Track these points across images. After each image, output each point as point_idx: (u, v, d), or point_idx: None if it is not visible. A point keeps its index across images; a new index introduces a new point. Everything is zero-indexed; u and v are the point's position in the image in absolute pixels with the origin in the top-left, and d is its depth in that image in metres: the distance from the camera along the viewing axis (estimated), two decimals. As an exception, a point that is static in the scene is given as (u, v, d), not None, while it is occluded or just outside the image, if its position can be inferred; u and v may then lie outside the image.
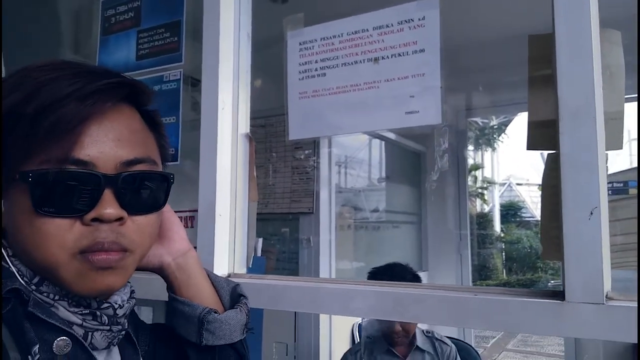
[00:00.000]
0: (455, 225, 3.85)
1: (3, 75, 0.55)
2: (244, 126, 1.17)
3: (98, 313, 0.60)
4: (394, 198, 3.95)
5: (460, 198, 3.91)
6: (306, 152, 2.86)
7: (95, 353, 0.60)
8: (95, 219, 0.56)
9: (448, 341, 1.95)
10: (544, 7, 0.82)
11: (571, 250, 0.75)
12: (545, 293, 0.79)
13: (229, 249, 1.11)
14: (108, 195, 0.57)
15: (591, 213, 0.74)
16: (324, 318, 2.54)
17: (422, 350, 1.90)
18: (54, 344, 0.56)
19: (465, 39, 2.34)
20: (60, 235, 0.55)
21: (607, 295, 0.74)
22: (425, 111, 0.93)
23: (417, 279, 1.91)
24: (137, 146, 0.60)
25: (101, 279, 0.58)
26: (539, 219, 0.88)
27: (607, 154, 0.83)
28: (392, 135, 3.61)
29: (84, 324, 0.59)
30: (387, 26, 0.98)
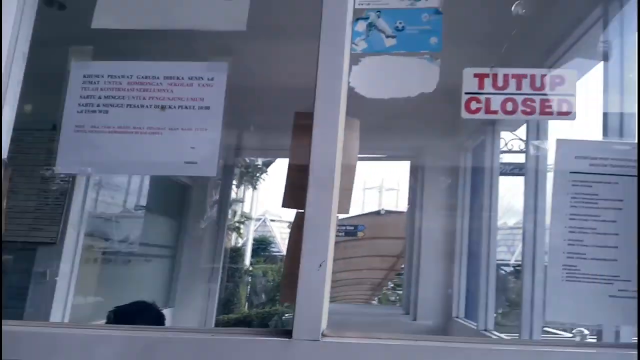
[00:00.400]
0: (209, 259, 3.97)
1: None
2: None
3: None
4: (150, 230, 3.85)
5: (219, 231, 4.07)
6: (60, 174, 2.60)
7: None
8: None
9: None
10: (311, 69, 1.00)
11: (303, 294, 0.94)
12: (277, 332, 0.96)
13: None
14: None
15: (320, 265, 0.95)
16: None
17: None
18: None
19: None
20: None
21: (322, 333, 0.94)
22: (203, 163, 1.04)
23: (161, 318, 1.92)
24: None
25: None
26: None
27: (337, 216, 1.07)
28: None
29: None
30: (178, 78, 1.07)
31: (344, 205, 1.10)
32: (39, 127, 2.47)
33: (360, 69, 1.02)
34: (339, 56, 0.98)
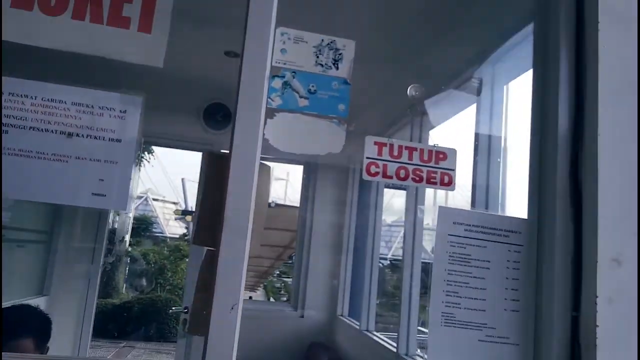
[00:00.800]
0: (89, 241, 3.73)
1: None
2: None
3: None
4: (22, 214, 3.53)
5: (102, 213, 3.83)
6: None
7: None
8: None
9: None
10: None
11: (214, 334, 0.98)
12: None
13: None
14: None
15: (232, 307, 0.99)
16: None
17: None
18: None
19: None
20: None
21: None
22: (112, 196, 1.01)
23: (47, 324, 1.80)
24: None
25: None
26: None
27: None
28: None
29: None
30: (87, 106, 1.02)
31: (255, 247, 1.14)
32: None
33: (274, 123, 1.06)
34: (256, 111, 1.00)
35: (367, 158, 1.15)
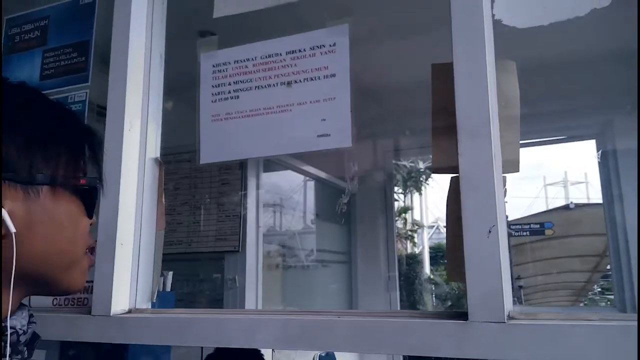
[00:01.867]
0: (383, 267, 3.87)
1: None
2: (153, 150, 1.11)
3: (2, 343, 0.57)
4: (324, 237, 3.94)
5: (388, 239, 3.96)
6: (233, 187, 2.80)
7: None
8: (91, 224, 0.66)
9: None
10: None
11: (472, 269, 0.75)
12: (450, 314, 0.79)
13: (130, 281, 1.03)
14: None
15: (489, 231, 0.75)
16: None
17: None
18: None
19: (393, 83, 2.42)
20: (86, 235, 0.65)
21: (509, 315, 0.74)
22: (336, 134, 0.93)
23: None
24: None
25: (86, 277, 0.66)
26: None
27: (505, 177, 0.86)
28: (322, 175, 3.64)
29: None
30: (300, 51, 0.99)
31: (513, 163, 0.88)
32: None
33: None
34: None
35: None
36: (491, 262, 0.74)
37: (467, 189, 0.77)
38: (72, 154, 0.64)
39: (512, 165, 0.86)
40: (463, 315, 0.76)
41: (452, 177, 0.90)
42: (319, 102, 0.96)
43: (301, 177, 3.69)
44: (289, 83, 0.99)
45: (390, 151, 3.77)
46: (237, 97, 1.03)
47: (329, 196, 3.93)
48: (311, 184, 3.85)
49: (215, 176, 2.77)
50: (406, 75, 2.44)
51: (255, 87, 1.02)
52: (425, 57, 0.91)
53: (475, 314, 0.74)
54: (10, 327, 0.59)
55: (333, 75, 0.95)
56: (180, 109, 1.40)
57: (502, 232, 0.76)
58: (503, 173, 0.84)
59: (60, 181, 0.61)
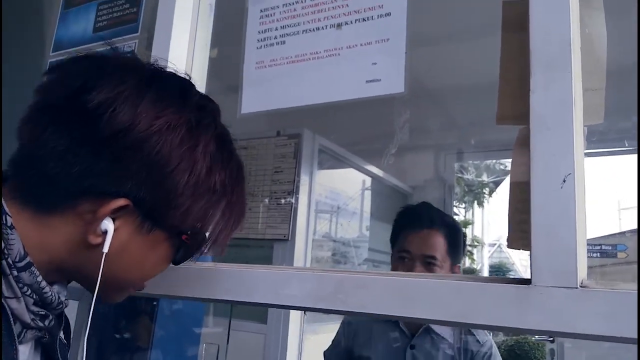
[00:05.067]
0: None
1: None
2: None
3: (50, 316, 0.58)
4: (376, 237, 3.81)
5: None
6: (287, 176, 2.75)
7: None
8: None
9: (484, 337, 1.40)
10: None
11: (539, 225, 0.63)
12: (508, 279, 0.66)
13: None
14: None
15: (564, 180, 0.62)
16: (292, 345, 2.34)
17: (436, 334, 1.41)
18: None
19: (456, 85, 2.29)
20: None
21: (581, 283, 0.61)
22: (387, 79, 0.84)
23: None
24: None
25: None
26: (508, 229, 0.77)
27: (585, 128, 0.73)
28: (380, 173, 3.53)
29: (31, 324, 0.55)
30: (353, -10, 0.90)
31: (596, 111, 0.74)
32: (266, 135, 2.72)
33: None
34: None
35: None
36: (564, 217, 0.61)
37: (539, 130, 0.65)
38: (225, 224, 0.63)
39: (594, 113, 0.73)
40: (525, 281, 0.64)
41: (519, 130, 0.78)
42: (370, 44, 0.87)
43: (358, 176, 3.59)
44: (338, 25, 0.90)
45: (452, 158, 3.59)
46: (284, 42, 0.96)
47: (386, 197, 3.81)
48: (368, 183, 3.74)
49: (270, 164, 2.74)
50: (472, 78, 2.30)
51: (303, 30, 0.94)
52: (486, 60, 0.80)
53: (541, 278, 0.62)
54: (64, 302, 0.60)
55: (388, 14, 0.86)
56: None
57: (580, 184, 0.63)
58: (585, 124, 0.71)
59: (179, 235, 0.60)
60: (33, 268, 0.53)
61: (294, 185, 2.70)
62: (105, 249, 0.55)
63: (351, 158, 3.21)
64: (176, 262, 0.64)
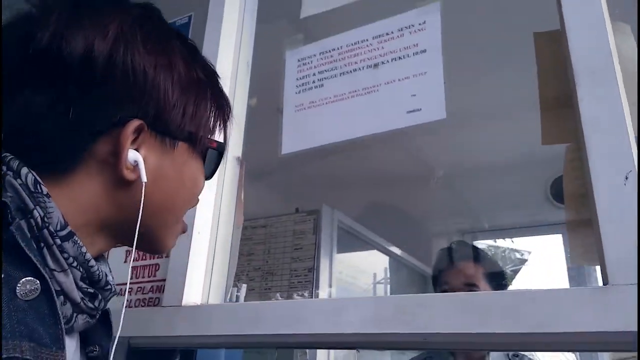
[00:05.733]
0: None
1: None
2: (237, 149, 1.09)
3: (99, 296, 0.53)
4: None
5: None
6: (306, 253, 2.72)
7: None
8: None
9: None
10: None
11: (607, 224, 0.62)
12: (584, 287, 0.63)
13: (205, 274, 0.96)
14: None
15: (626, 177, 0.62)
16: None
17: None
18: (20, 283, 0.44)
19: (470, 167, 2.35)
20: (198, 196, 0.64)
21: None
22: (428, 107, 0.87)
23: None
24: None
25: None
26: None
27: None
28: (398, 252, 3.48)
29: (81, 303, 0.51)
30: (387, 34, 0.96)
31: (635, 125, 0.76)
32: (285, 212, 2.75)
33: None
34: None
35: None
36: (633, 212, 0.60)
37: (593, 136, 0.66)
38: (218, 106, 0.61)
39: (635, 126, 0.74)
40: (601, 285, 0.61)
41: (567, 147, 0.79)
42: (408, 78, 0.91)
43: (379, 260, 3.53)
44: (375, 65, 0.95)
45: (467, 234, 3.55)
46: (322, 85, 1.00)
47: (406, 280, 3.71)
48: (388, 268, 3.65)
49: (289, 241, 2.73)
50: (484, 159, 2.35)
51: (340, 73, 0.99)
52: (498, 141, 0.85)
53: (617, 276, 0.59)
54: (111, 283, 0.55)
55: (424, 51, 0.91)
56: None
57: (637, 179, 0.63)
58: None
59: (199, 140, 0.58)
60: (76, 237, 0.49)
61: (314, 262, 2.66)
62: (144, 178, 0.53)
63: (371, 236, 3.19)
64: (208, 174, 0.63)
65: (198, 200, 0.65)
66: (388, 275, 3.69)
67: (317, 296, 2.53)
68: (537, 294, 0.63)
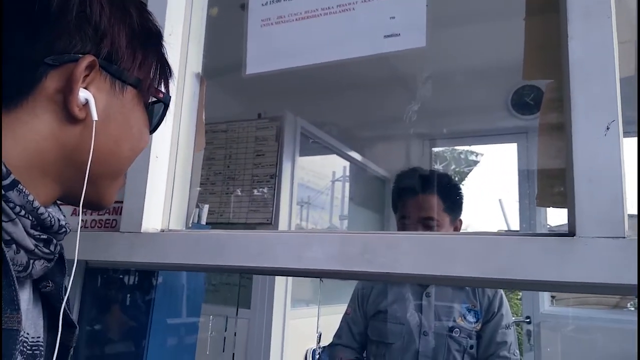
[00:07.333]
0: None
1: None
2: (195, 64, 1.00)
3: (54, 241, 0.53)
4: (356, 220, 3.79)
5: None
6: (268, 159, 2.69)
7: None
8: None
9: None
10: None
11: (582, 174, 0.61)
12: (548, 233, 0.64)
13: (164, 199, 0.92)
14: None
15: (607, 128, 0.60)
16: (275, 345, 2.32)
17: None
18: None
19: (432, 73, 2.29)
20: (142, 150, 0.61)
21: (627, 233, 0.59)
22: (407, 33, 0.80)
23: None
24: None
25: None
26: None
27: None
28: (358, 157, 3.51)
29: (35, 250, 0.50)
30: (367, -58, 0.85)
31: (628, 63, 0.73)
32: (246, 118, 2.67)
33: None
34: None
35: None
36: (610, 165, 0.59)
37: (579, 76, 0.63)
38: (162, 64, 0.62)
39: (626, 65, 0.71)
40: (567, 234, 0.61)
41: (547, 84, 0.75)
42: (387, -3, 0.82)
43: (337, 163, 3.55)
44: (353, -21, 0.86)
45: (427, 145, 3.60)
46: (292, -2, 0.90)
47: (359, 181, 3.78)
48: (347, 169, 3.70)
49: (251, 147, 2.68)
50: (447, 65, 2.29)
51: (313, -15, 0.89)
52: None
53: (585, 228, 0.59)
54: (65, 227, 0.54)
55: (407, -35, 0.82)
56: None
57: (622, 131, 0.61)
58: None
59: (146, 88, 0.59)
60: (20, 186, 0.47)
61: (277, 169, 2.64)
62: (95, 116, 0.52)
63: (332, 142, 3.17)
64: (153, 127, 0.63)
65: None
66: (347, 174, 3.76)
67: (279, 201, 2.56)
68: (503, 239, 0.63)
